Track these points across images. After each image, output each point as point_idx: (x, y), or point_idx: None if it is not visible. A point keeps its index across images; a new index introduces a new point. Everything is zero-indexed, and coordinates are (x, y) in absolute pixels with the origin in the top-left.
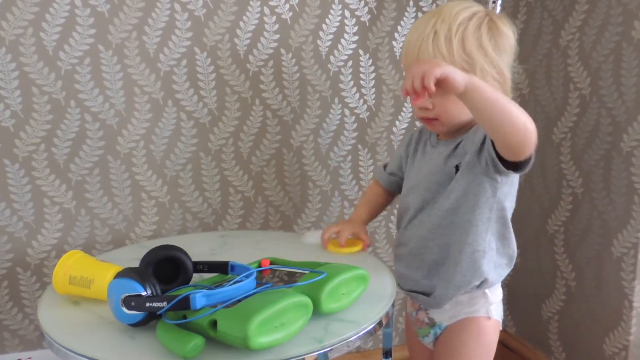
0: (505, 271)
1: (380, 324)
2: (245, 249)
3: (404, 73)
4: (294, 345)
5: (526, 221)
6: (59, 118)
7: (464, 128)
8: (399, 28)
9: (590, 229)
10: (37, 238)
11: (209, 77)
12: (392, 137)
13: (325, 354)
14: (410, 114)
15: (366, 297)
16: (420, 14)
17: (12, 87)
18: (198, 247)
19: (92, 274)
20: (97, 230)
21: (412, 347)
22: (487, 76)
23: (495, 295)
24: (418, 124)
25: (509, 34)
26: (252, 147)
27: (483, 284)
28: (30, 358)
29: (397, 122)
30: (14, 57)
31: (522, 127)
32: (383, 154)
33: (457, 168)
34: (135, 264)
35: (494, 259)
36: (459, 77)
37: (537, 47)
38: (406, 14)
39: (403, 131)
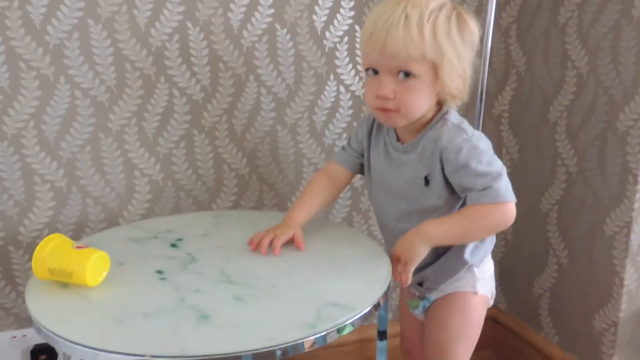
0: (489, 246)
1: (376, 306)
2: (239, 230)
3: (362, 55)
4: (286, 331)
5: (519, 199)
6: (48, 94)
7: (421, 123)
8: (320, 1)
9: (584, 208)
10: (29, 216)
11: (202, 53)
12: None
13: (322, 337)
14: (335, 93)
15: (361, 280)
16: None
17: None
18: (191, 227)
19: (71, 264)
20: (90, 209)
21: (404, 317)
22: (453, 70)
23: (482, 271)
24: None
25: (474, 30)
26: (247, 125)
27: (471, 266)
28: (25, 335)
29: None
30: (0, 32)
31: (496, 229)
32: None
33: (426, 180)
34: (128, 244)
35: (478, 244)
36: (422, 251)
37: (534, 25)
38: None
39: (326, 111)
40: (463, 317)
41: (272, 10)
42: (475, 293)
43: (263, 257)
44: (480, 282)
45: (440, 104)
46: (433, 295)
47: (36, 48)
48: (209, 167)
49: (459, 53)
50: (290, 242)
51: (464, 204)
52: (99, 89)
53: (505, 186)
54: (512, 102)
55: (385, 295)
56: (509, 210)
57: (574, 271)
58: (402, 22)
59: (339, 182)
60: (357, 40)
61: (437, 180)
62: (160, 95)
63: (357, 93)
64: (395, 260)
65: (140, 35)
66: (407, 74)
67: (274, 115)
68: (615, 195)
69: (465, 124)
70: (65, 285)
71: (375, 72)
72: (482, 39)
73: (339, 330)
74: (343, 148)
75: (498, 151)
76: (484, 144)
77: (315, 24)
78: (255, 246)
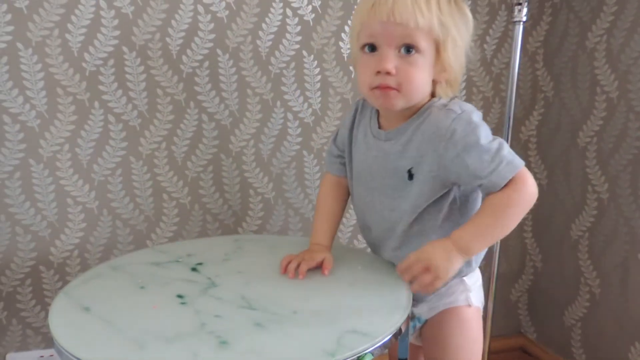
0: (482, 252)
1: (396, 334)
2: (259, 254)
3: (353, 32)
4: (306, 359)
5: (549, 226)
6: (82, 119)
7: (410, 112)
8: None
9: (616, 235)
10: (60, 237)
11: (230, 79)
12: (260, 145)
13: None
14: (282, 120)
15: (382, 306)
16: None
17: (37, 88)
18: (212, 252)
19: None
20: (119, 231)
21: (393, 345)
22: (456, 50)
23: (472, 281)
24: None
25: (471, 18)
26: (273, 150)
27: (460, 272)
28: (52, 355)
29: (265, 129)
30: (40, 58)
31: (528, 206)
32: None
33: (409, 173)
34: (150, 268)
35: None
36: (458, 267)
37: (562, 49)
38: (272, 9)
39: (273, 139)
40: (463, 335)
41: (299, 38)
42: (469, 306)
43: (283, 283)
44: (472, 293)
45: (432, 95)
46: (424, 314)
47: (73, 74)
48: (235, 190)
49: (462, 35)
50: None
51: (452, 205)
52: (131, 113)
53: (510, 154)
54: (539, 127)
55: (407, 321)
56: (526, 177)
57: (607, 301)
58: None
59: (343, 189)
60: (305, 65)
61: (422, 175)
62: (190, 120)
63: (306, 120)
64: (420, 268)
65: (171, 62)
66: (409, 50)
67: (300, 141)
68: None
69: (453, 103)
70: (87, 308)
71: (373, 48)
72: (509, 64)
73: (358, 359)
74: (330, 153)
75: None
76: (476, 116)
77: (260, 49)
78: (284, 269)
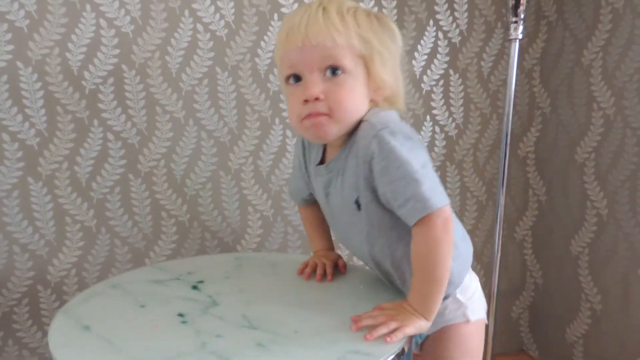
0: (466, 260)
1: (399, 354)
2: (260, 272)
3: (278, 67)
4: None
5: (549, 242)
6: (82, 137)
7: (347, 134)
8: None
9: (616, 251)
10: (58, 256)
11: (229, 97)
12: (259, 162)
13: None
14: (281, 137)
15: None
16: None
17: (37, 106)
18: (212, 269)
19: None
20: (117, 249)
21: None
22: (386, 64)
23: (467, 295)
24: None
25: (397, 31)
26: (272, 167)
27: (449, 288)
28: None
29: (264, 146)
30: (40, 77)
31: (448, 245)
32: (249, 180)
33: (357, 204)
34: (150, 286)
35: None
36: (425, 326)
37: (558, 66)
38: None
39: (272, 156)
40: (461, 350)
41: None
42: (468, 321)
43: (285, 302)
44: (470, 308)
45: None
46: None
47: (73, 93)
48: (234, 208)
49: (388, 48)
50: (312, 286)
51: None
52: (130, 131)
53: (430, 190)
54: (537, 144)
55: (410, 341)
56: (435, 223)
57: (609, 317)
58: (321, 13)
59: (320, 213)
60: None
61: (365, 203)
62: (189, 138)
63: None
64: (384, 317)
65: (171, 80)
66: (335, 71)
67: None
68: None
69: (374, 114)
70: (87, 327)
71: (298, 79)
72: (506, 81)
73: None
74: (290, 194)
75: (524, 192)
76: (399, 138)
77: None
78: (308, 275)
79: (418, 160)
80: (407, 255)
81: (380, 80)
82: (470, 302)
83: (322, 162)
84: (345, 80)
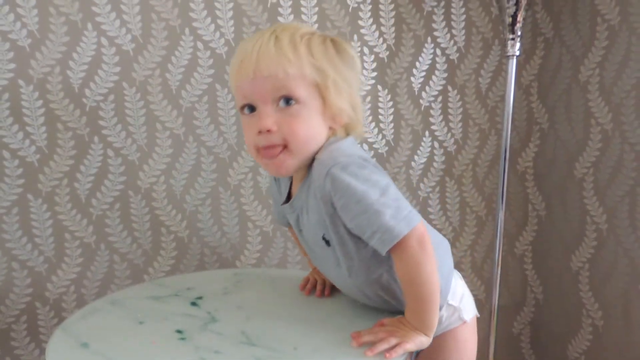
0: (449, 266)
1: None
2: (259, 288)
3: (234, 96)
4: None
5: (549, 258)
6: (82, 153)
7: (307, 166)
8: None
9: (617, 266)
10: (57, 272)
11: (229, 113)
12: (258, 178)
13: None
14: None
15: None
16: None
17: (38, 124)
18: (211, 285)
19: None
20: (116, 265)
21: None
22: (342, 92)
23: (457, 298)
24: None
25: (354, 55)
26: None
27: (441, 299)
28: None
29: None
30: (41, 95)
31: (428, 261)
32: (249, 196)
33: (325, 240)
34: (149, 302)
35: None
36: (425, 341)
37: (556, 82)
38: None
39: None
40: (460, 353)
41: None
42: (464, 322)
43: (284, 318)
44: (464, 310)
45: None
46: None
47: (74, 110)
48: (233, 224)
49: (344, 75)
50: (311, 302)
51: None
52: (130, 148)
53: (393, 218)
54: (536, 159)
55: (410, 356)
56: (408, 246)
57: (610, 334)
58: (273, 42)
59: None
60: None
61: (336, 239)
62: (189, 154)
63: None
64: (385, 333)
65: (171, 97)
66: (288, 101)
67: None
68: None
69: (330, 150)
70: (85, 344)
71: (252, 109)
72: (504, 97)
73: None
74: (278, 213)
75: (524, 207)
76: (352, 171)
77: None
78: (308, 291)
79: (375, 189)
80: (394, 276)
81: (337, 109)
82: (462, 303)
83: (289, 196)
84: (299, 111)
